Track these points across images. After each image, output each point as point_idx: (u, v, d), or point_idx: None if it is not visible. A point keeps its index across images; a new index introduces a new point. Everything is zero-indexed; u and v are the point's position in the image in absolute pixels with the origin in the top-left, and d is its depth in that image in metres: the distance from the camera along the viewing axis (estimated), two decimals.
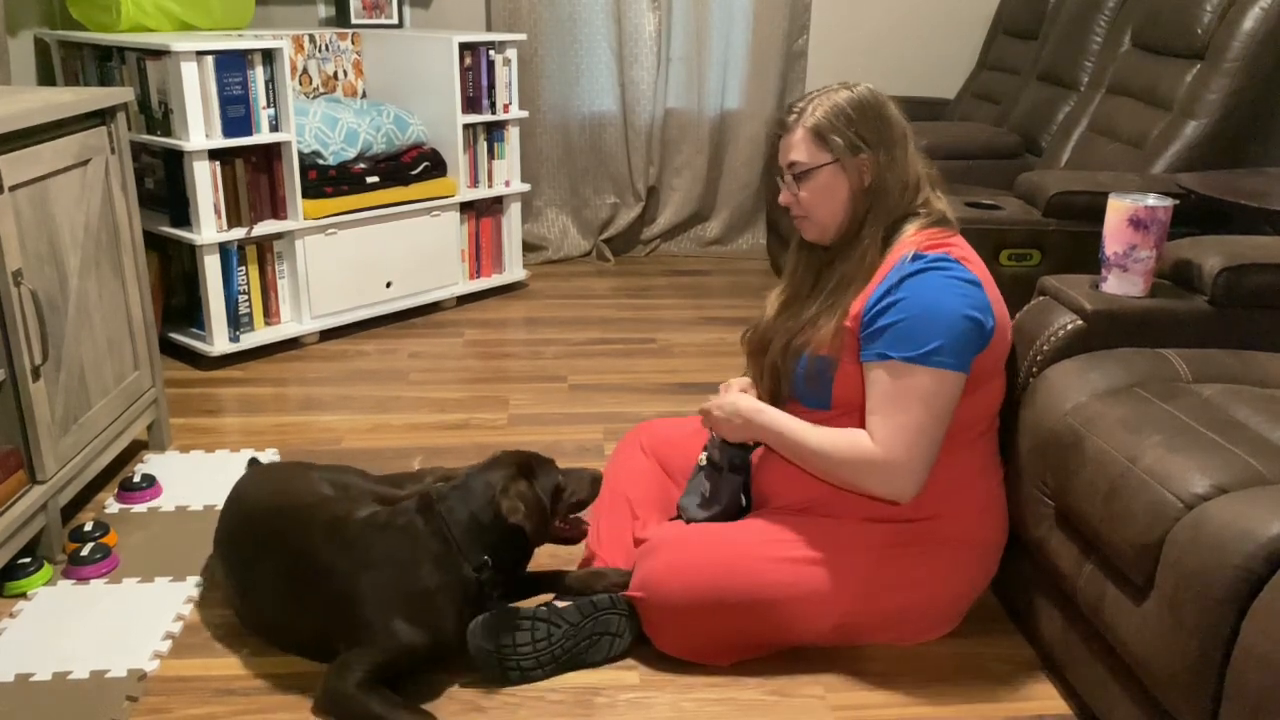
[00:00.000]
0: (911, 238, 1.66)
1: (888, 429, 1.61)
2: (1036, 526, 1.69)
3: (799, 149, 1.69)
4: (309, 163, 3.16)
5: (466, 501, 1.67)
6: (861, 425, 1.65)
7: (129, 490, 2.29)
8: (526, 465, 1.72)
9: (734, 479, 1.80)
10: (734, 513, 1.81)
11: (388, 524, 1.68)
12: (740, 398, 1.80)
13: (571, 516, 1.80)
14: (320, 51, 3.59)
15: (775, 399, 1.80)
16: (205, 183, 2.91)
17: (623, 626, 1.76)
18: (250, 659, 1.77)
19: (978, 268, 1.66)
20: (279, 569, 1.72)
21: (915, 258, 1.62)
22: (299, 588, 1.69)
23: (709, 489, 1.82)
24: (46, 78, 3.29)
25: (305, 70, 3.56)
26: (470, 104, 3.51)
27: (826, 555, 1.69)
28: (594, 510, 1.98)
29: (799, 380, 1.73)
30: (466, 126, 3.52)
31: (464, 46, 3.44)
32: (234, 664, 1.76)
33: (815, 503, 1.73)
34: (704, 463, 1.86)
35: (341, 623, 1.63)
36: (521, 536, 1.66)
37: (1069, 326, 1.79)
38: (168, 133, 2.94)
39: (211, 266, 2.99)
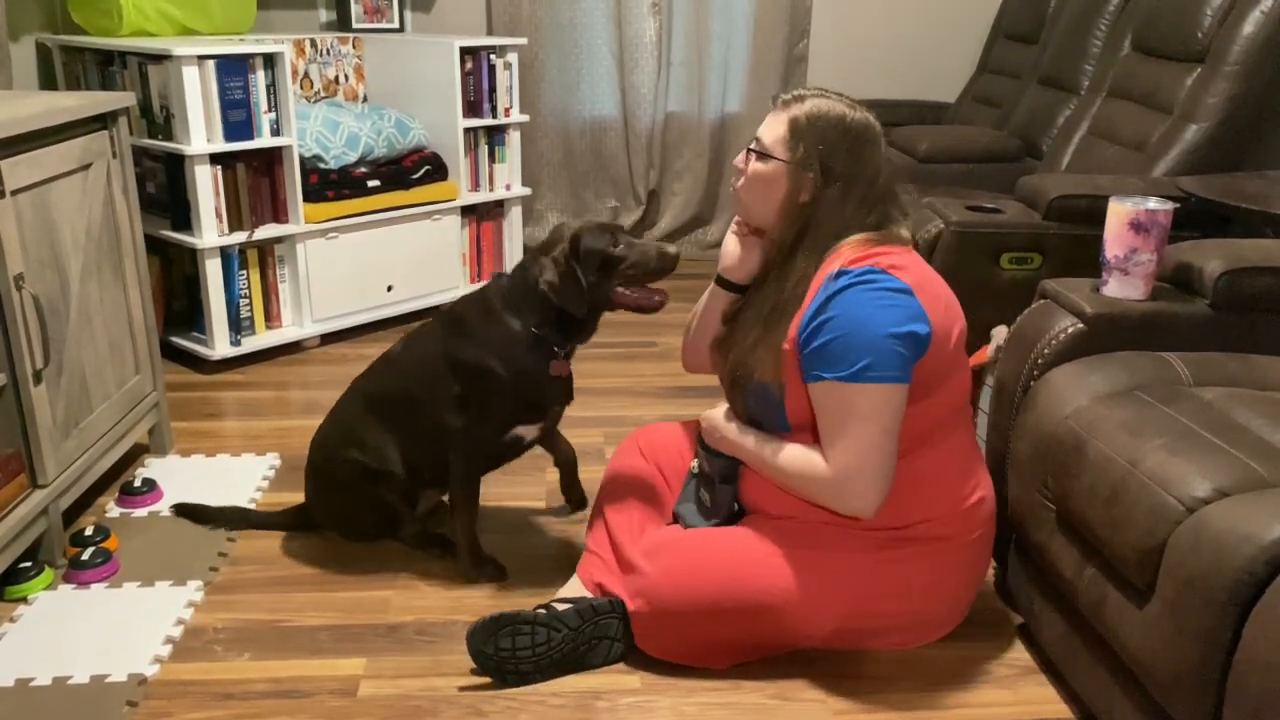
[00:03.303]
0: (842, 251, 1.63)
1: (836, 448, 1.61)
2: (1037, 530, 1.69)
3: (770, 129, 1.68)
4: (310, 166, 3.17)
5: (524, 271, 1.94)
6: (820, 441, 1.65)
7: (130, 494, 2.29)
8: (575, 239, 1.88)
9: (727, 489, 1.80)
10: (730, 521, 1.81)
11: (464, 302, 2.01)
12: (715, 414, 1.81)
13: (643, 288, 1.91)
14: (321, 56, 3.60)
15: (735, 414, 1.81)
16: (206, 187, 2.91)
17: (621, 630, 1.76)
18: (250, 664, 1.77)
19: (912, 273, 1.61)
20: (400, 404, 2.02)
21: (840, 274, 1.59)
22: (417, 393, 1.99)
23: (709, 500, 1.82)
24: (48, 82, 3.30)
25: (306, 74, 3.56)
26: (471, 108, 3.51)
27: (824, 558, 1.68)
28: (595, 513, 1.98)
29: (752, 410, 1.74)
30: (467, 130, 3.53)
31: (465, 51, 3.44)
32: (234, 669, 1.76)
33: (804, 513, 1.72)
34: (696, 469, 1.87)
35: (456, 383, 1.93)
36: (570, 297, 1.87)
37: (1070, 330, 1.79)
38: (169, 137, 2.94)
39: (213, 270, 2.99)
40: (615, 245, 1.88)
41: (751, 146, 1.70)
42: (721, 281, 1.85)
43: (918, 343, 1.59)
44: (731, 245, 1.82)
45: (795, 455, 1.67)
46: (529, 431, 2.02)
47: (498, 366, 1.91)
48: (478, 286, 2.04)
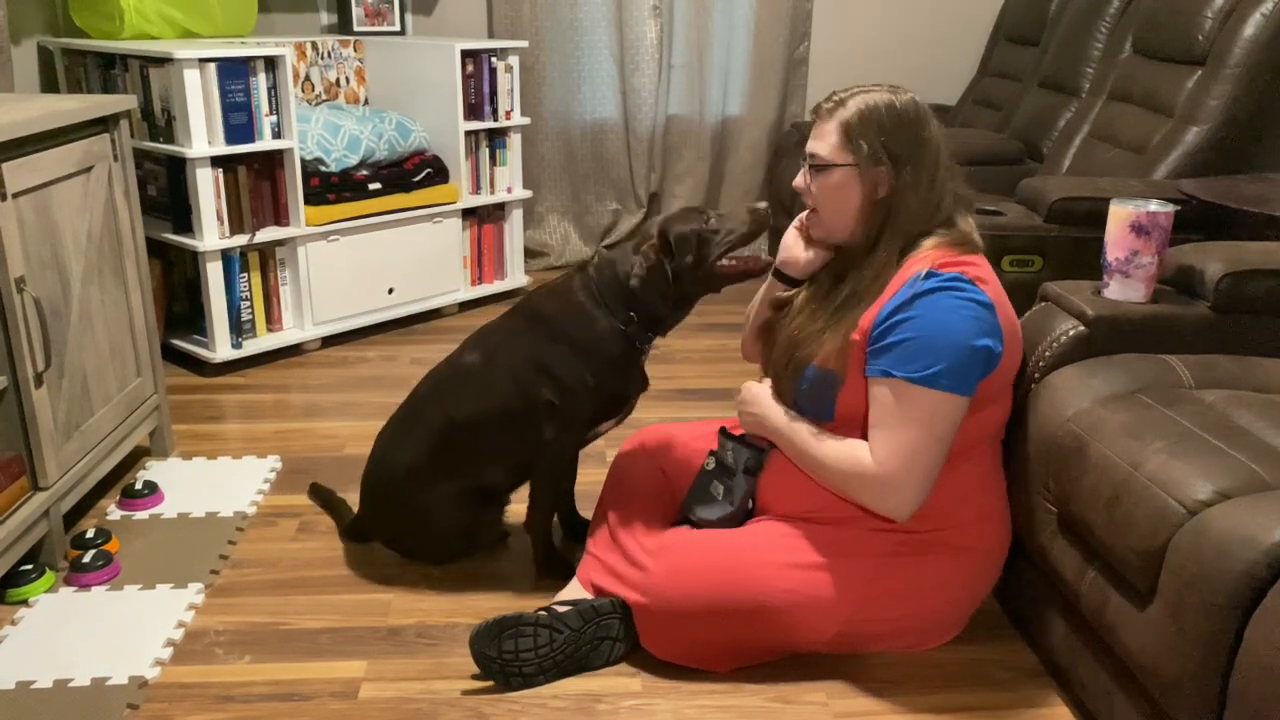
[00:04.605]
0: (928, 253, 1.62)
1: (887, 447, 1.60)
2: (1039, 533, 1.69)
3: (823, 141, 1.65)
4: (311, 169, 3.17)
5: (613, 266, 1.90)
6: (863, 437, 1.65)
7: (131, 497, 2.29)
8: (663, 231, 1.85)
9: (749, 480, 1.79)
10: (743, 516, 1.81)
11: (549, 300, 1.95)
12: (764, 390, 1.80)
13: (738, 255, 1.86)
14: (323, 59, 3.60)
15: (779, 399, 1.80)
16: (208, 190, 2.91)
17: (623, 631, 1.76)
18: (251, 666, 1.77)
19: (993, 289, 1.62)
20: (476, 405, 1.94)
21: (929, 275, 1.59)
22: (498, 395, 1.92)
23: (721, 491, 1.82)
24: (50, 85, 3.30)
25: (308, 77, 3.56)
26: (472, 111, 3.52)
27: (829, 562, 1.68)
28: (598, 515, 1.98)
29: (802, 394, 1.72)
30: (468, 133, 3.53)
31: (466, 54, 3.45)
32: (235, 671, 1.76)
33: (816, 512, 1.72)
34: (711, 466, 1.86)
35: (543, 390, 1.89)
36: (656, 293, 1.85)
37: (1071, 332, 1.79)
38: (170, 140, 2.94)
39: (214, 273, 2.99)
40: (706, 222, 1.85)
41: (809, 163, 1.68)
42: (778, 274, 1.85)
43: (990, 359, 1.59)
44: (793, 240, 1.81)
45: (840, 447, 1.66)
46: (607, 425, 2.00)
47: (591, 368, 1.88)
48: (559, 281, 1.98)
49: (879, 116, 1.63)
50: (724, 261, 1.85)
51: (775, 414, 1.75)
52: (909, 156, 1.63)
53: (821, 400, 1.69)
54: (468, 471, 1.97)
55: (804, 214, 1.79)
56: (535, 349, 1.90)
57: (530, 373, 1.90)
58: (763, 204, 1.89)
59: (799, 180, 1.72)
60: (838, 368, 1.65)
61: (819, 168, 1.67)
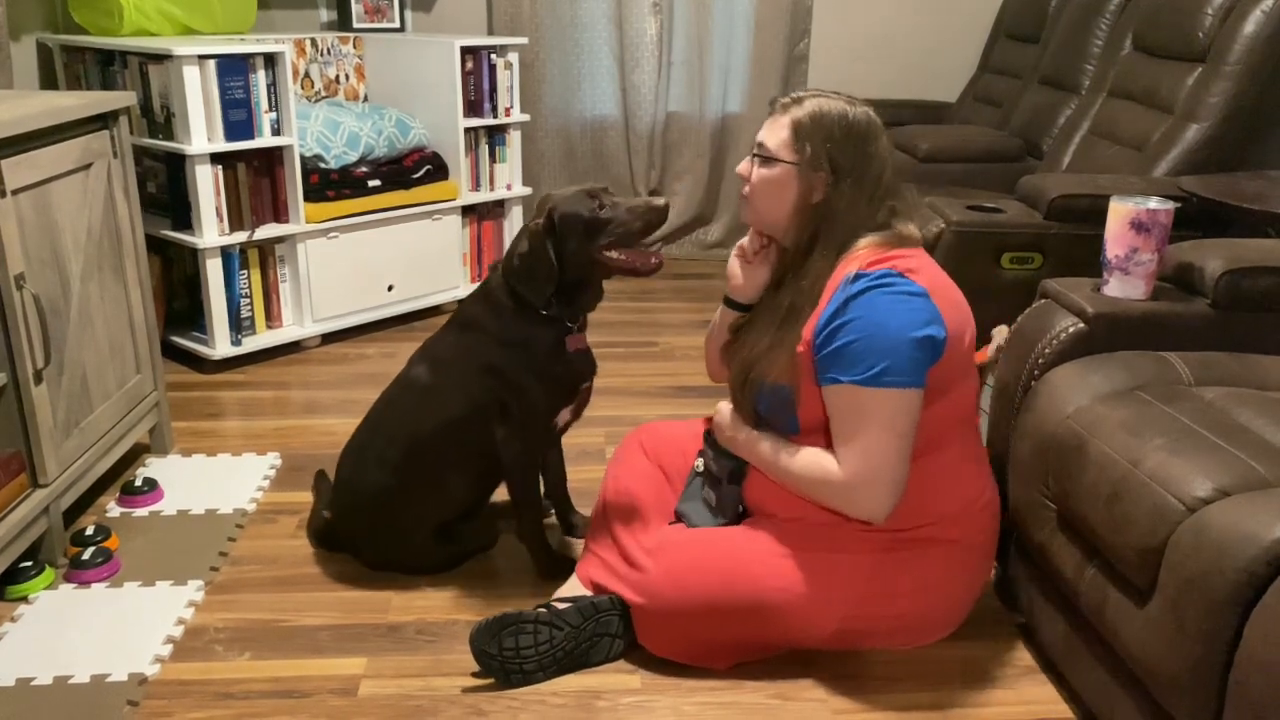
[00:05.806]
0: (859, 254, 1.63)
1: (850, 452, 1.60)
2: (1039, 530, 1.69)
3: (772, 134, 1.68)
4: (311, 166, 3.17)
5: (512, 260, 1.88)
6: (829, 444, 1.65)
7: (130, 494, 2.29)
8: (550, 212, 1.84)
9: (733, 489, 1.80)
10: (735, 521, 1.81)
11: (473, 304, 1.95)
12: (726, 410, 1.81)
13: (635, 250, 1.85)
14: (322, 55, 3.60)
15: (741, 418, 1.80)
16: (207, 186, 2.91)
17: (622, 628, 1.76)
18: (251, 663, 1.77)
19: (926, 277, 1.62)
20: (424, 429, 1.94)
21: (857, 277, 1.59)
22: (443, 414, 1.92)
23: (713, 499, 1.82)
24: (49, 82, 3.30)
25: (307, 74, 3.56)
26: (472, 108, 3.51)
27: (826, 559, 1.68)
28: (597, 512, 1.98)
29: (763, 411, 1.73)
30: (468, 130, 3.53)
31: (465, 50, 3.44)
32: (234, 668, 1.76)
33: (809, 515, 1.72)
34: (700, 469, 1.87)
35: (493, 390, 1.89)
36: (539, 274, 1.84)
37: (1070, 329, 1.79)
38: (170, 137, 2.94)
39: (213, 270, 2.99)
40: (599, 208, 1.82)
41: (755, 152, 1.70)
42: (728, 302, 1.86)
43: (935, 347, 1.59)
44: (735, 267, 1.83)
45: (807, 459, 1.66)
46: (564, 415, 1.98)
47: (524, 359, 1.88)
48: (479, 284, 2.00)
49: (830, 123, 1.64)
50: (611, 254, 1.85)
51: (742, 434, 1.76)
52: (851, 169, 1.63)
53: (783, 415, 1.70)
54: (438, 485, 1.96)
55: (742, 240, 1.81)
56: (476, 352, 1.91)
57: (477, 376, 1.90)
58: (661, 200, 1.87)
59: (743, 166, 1.73)
60: (790, 382, 1.65)
61: (763, 158, 1.68)
